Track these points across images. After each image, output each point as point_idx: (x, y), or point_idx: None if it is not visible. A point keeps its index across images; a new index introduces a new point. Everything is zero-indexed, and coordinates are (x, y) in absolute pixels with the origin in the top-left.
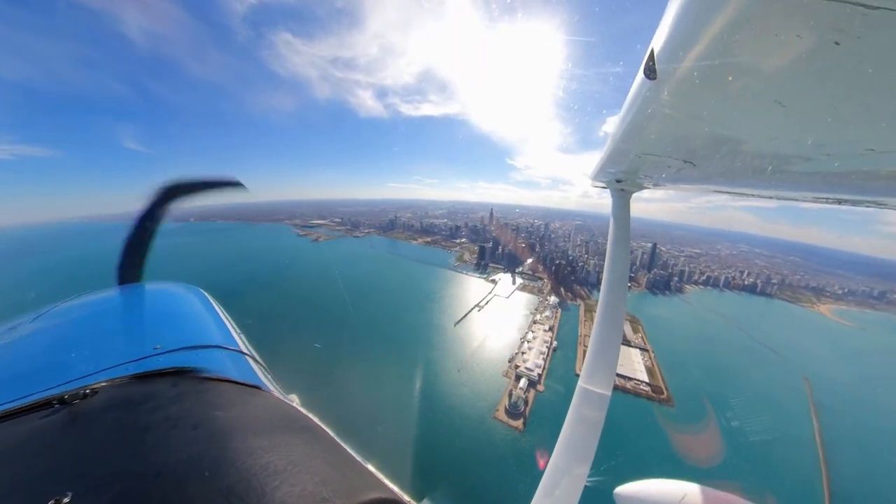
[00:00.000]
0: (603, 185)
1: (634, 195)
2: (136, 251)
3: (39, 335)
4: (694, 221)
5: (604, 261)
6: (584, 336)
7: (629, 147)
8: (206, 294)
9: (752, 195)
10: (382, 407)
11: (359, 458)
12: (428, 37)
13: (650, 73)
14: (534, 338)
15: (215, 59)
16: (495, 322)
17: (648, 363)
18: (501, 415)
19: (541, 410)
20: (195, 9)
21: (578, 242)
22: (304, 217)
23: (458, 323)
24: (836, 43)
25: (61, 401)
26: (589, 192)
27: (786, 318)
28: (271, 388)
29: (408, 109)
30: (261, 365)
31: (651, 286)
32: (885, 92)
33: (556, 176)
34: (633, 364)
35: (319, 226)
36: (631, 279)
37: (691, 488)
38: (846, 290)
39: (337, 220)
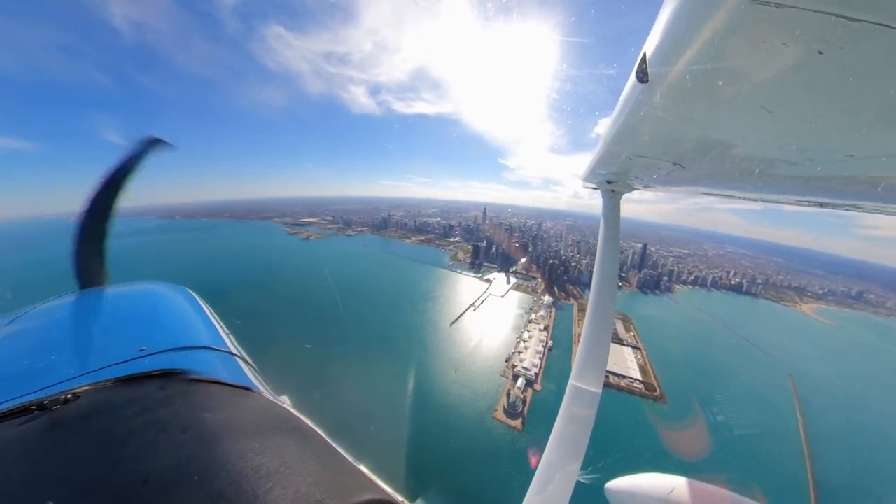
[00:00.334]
0: (594, 186)
1: (624, 196)
2: (91, 254)
3: (17, 338)
4: (682, 222)
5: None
6: (579, 335)
7: (620, 149)
8: (193, 294)
9: (739, 197)
10: (380, 408)
11: (351, 460)
12: (423, 35)
13: (642, 76)
14: (529, 337)
15: (203, 51)
16: (491, 321)
17: (641, 361)
18: (500, 415)
19: (539, 410)
20: None
21: (570, 242)
22: (295, 215)
23: (454, 323)
24: (820, 52)
25: (41, 406)
26: (579, 192)
27: (770, 316)
28: (262, 389)
29: (401, 107)
30: (251, 366)
31: (642, 286)
32: (865, 100)
33: (547, 176)
34: (627, 362)
35: (310, 224)
36: (622, 279)
37: (679, 482)
38: (826, 290)
39: (328, 218)
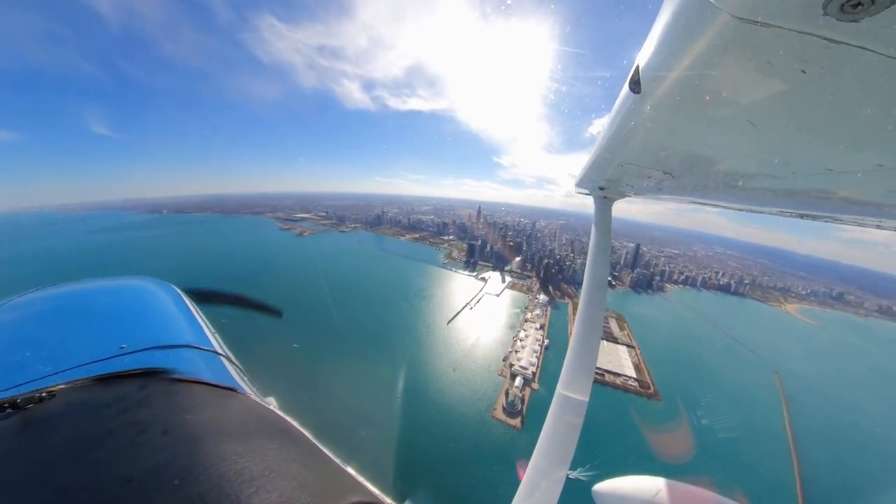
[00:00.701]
0: (586, 192)
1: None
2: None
3: None
4: (671, 223)
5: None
6: None
7: (613, 156)
8: (177, 290)
9: (725, 207)
10: (380, 408)
11: (338, 462)
12: (419, 31)
13: (635, 87)
14: (526, 336)
15: (193, 40)
16: (487, 320)
17: (635, 360)
18: (500, 414)
19: (537, 408)
20: None
21: (564, 241)
22: (287, 210)
23: (450, 321)
24: (803, 71)
25: (14, 405)
26: (573, 191)
27: (757, 316)
28: (247, 390)
29: (395, 103)
30: (236, 366)
31: (635, 285)
32: (843, 118)
33: (541, 175)
34: (621, 360)
35: (303, 219)
36: (616, 278)
37: (666, 484)
38: (809, 291)
39: (322, 213)
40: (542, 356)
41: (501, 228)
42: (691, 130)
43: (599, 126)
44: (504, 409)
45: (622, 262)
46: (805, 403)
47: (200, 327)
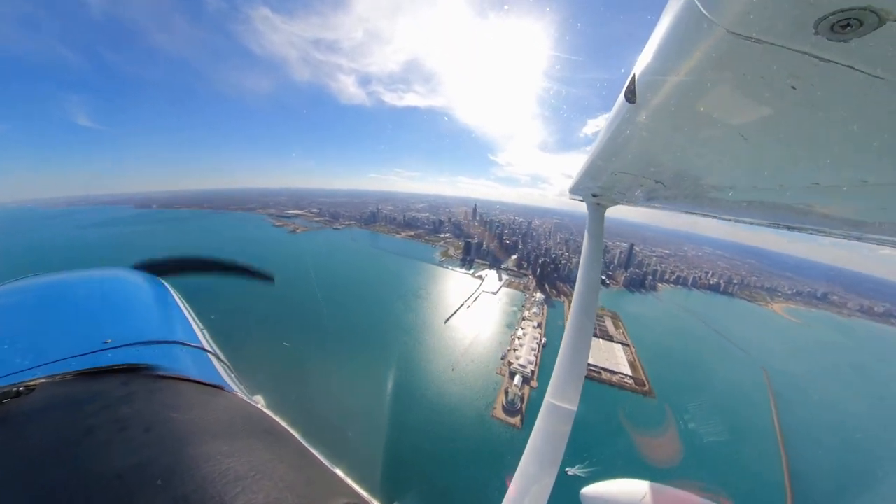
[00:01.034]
0: (580, 198)
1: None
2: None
3: None
4: (662, 223)
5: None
6: None
7: (606, 164)
8: (165, 284)
9: (715, 217)
10: (374, 411)
11: (326, 463)
12: (416, 25)
13: (630, 96)
14: (524, 334)
15: (183, 30)
16: (484, 318)
17: (630, 358)
18: (499, 412)
19: (536, 407)
20: None
21: (559, 240)
22: (280, 206)
23: (448, 320)
24: (793, 87)
25: None
26: (566, 191)
27: (745, 315)
28: (234, 388)
29: (391, 99)
30: (224, 363)
31: (628, 284)
32: (831, 134)
33: (535, 173)
34: (617, 358)
35: (296, 216)
36: (610, 277)
37: (653, 488)
38: (795, 291)
39: (315, 210)
40: (539, 354)
41: (497, 227)
42: (684, 142)
43: (593, 127)
44: (504, 407)
45: (616, 262)
46: (791, 399)
47: (188, 323)
